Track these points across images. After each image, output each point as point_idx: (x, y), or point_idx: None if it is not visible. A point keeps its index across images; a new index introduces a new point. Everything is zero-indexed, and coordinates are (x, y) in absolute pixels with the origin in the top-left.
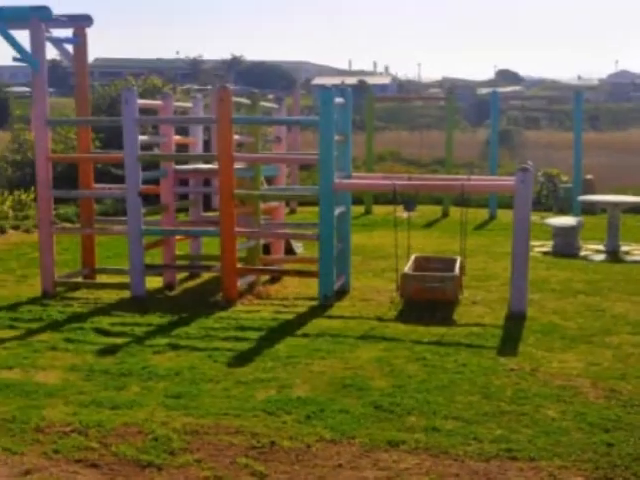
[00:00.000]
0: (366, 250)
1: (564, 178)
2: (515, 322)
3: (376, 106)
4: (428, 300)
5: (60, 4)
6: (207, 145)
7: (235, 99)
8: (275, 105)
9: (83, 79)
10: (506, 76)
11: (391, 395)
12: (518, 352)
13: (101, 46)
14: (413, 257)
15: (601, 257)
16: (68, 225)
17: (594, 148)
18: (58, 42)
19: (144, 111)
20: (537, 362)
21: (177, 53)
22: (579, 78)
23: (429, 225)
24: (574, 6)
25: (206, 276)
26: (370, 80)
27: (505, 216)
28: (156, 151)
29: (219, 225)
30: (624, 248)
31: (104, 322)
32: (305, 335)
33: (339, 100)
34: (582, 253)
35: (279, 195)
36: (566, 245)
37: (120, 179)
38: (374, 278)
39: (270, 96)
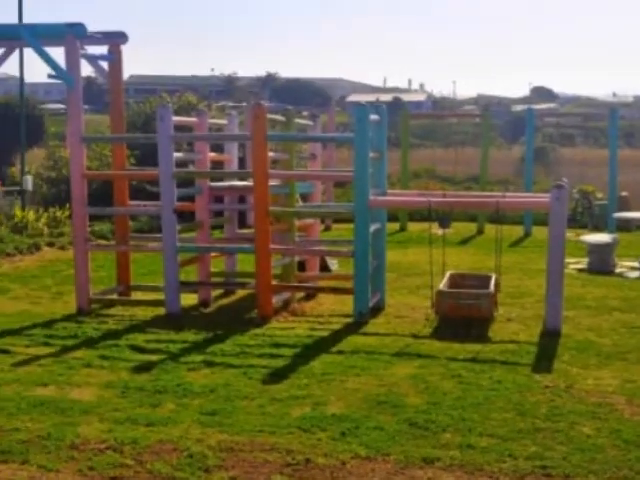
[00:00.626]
0: (401, 267)
1: (599, 195)
2: (550, 339)
3: (411, 123)
4: (463, 317)
5: (95, 21)
6: (242, 162)
7: (270, 116)
8: (310, 122)
9: (118, 96)
10: (541, 93)
11: (426, 412)
12: (553, 369)
13: (136, 63)
14: (448, 274)
15: (636, 274)
16: (103, 242)
17: (629, 165)
18: (93, 59)
19: (179, 128)
20: (572, 379)
21: (212, 70)
22: (614, 95)
23: (464, 242)
24: (609, 23)
25: (241, 293)
26: (405, 97)
27: (540, 233)
28: (191, 168)
29: (254, 242)
30: None
31: (139, 339)
32: (340, 352)
33: (374, 117)
34: (617, 270)
35: (314, 212)
36: (601, 262)
37: (155, 196)
38: (409, 295)
39: (305, 113)
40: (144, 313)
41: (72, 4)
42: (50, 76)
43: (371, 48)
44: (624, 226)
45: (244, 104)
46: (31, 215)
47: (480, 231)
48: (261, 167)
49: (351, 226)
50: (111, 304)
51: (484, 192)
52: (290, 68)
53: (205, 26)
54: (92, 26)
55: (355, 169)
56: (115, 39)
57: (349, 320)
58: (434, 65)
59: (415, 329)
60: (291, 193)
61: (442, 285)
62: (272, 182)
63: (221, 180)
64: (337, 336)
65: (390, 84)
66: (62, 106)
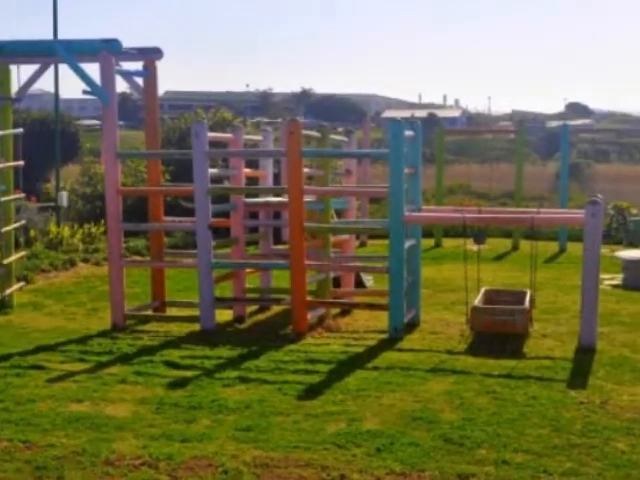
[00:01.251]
0: (436, 283)
1: (634, 211)
2: (585, 355)
3: (446, 139)
4: (498, 333)
5: (130, 37)
6: (277, 178)
7: (305, 132)
8: (345, 138)
9: (153, 112)
10: (576, 109)
11: (461, 428)
12: (588, 385)
13: (171, 79)
14: (483, 290)
15: None
16: (138, 258)
17: None
18: (128, 75)
19: (214, 144)
20: (607, 395)
21: (247, 86)
22: None
23: (499, 258)
24: None
25: (276, 309)
26: (440, 113)
27: (575, 249)
28: (226, 184)
29: (289, 258)
30: None
31: (174, 355)
32: (375, 368)
33: (409, 133)
34: None
35: (349, 228)
36: (636, 278)
37: (190, 212)
38: (444, 311)
39: (340, 129)
40: (179, 329)
41: (107, 20)
42: (85, 92)
43: (406, 64)
44: None
45: (279, 120)
46: (66, 231)
47: (515, 247)
48: (296, 183)
49: (386, 242)
50: (146, 320)
51: (519, 208)
52: (325, 84)
53: (240, 42)
54: (127, 42)
55: (390, 185)
56: (150, 55)
57: (384, 336)
58: (469, 81)
59: (450, 345)
60: (326, 209)
61: (477, 301)
62: (307, 198)
63: (256, 196)
64: (372, 352)
65: (425, 100)
66: (97, 122)
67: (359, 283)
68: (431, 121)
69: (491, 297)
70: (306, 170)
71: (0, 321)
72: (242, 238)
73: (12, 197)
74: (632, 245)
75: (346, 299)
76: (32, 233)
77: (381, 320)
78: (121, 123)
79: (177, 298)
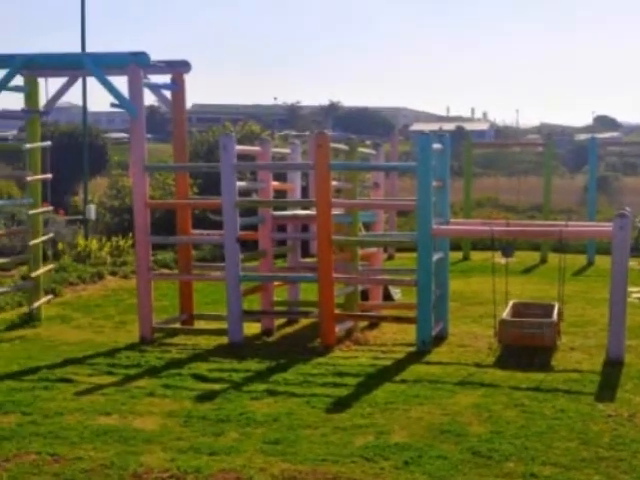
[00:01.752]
0: (464, 296)
1: None
2: (613, 368)
3: (474, 152)
4: (526, 346)
5: (158, 50)
6: (305, 191)
7: (333, 145)
8: (373, 151)
9: (181, 125)
10: (604, 122)
11: (489, 441)
12: (616, 398)
13: (199, 92)
14: (511, 303)
15: None
16: (166, 271)
17: None
18: (156, 88)
19: (242, 157)
20: (635, 408)
21: (275, 99)
22: None
23: (527, 271)
24: None
25: (304, 322)
26: (468, 126)
27: (603, 262)
28: (254, 197)
29: (317, 271)
30: None
31: (202, 368)
32: (403, 381)
33: (437, 146)
34: None
35: (377, 241)
36: None
37: (218, 225)
38: (472, 324)
39: (368, 142)
40: (207, 342)
41: (135, 33)
42: (113, 105)
43: (434, 77)
44: None
45: (307, 133)
46: (94, 244)
47: (543, 260)
48: (324, 196)
49: (414, 255)
50: (174, 333)
51: (547, 221)
52: (353, 97)
53: (269, 55)
54: (155, 55)
55: (418, 198)
56: (178, 68)
57: (412, 349)
58: (497, 94)
59: (478, 358)
60: (354, 222)
61: (505, 314)
62: (335, 211)
63: (284, 209)
64: (400, 365)
65: (453, 113)
66: (125, 135)
67: (387, 296)
68: (459, 134)
69: (519, 310)
70: (334, 183)
71: (28, 334)
72: (270, 251)
73: (40, 210)
74: None
75: (374, 312)
76: (60, 246)
77: (409, 333)
78: (149, 136)
79: (205, 311)
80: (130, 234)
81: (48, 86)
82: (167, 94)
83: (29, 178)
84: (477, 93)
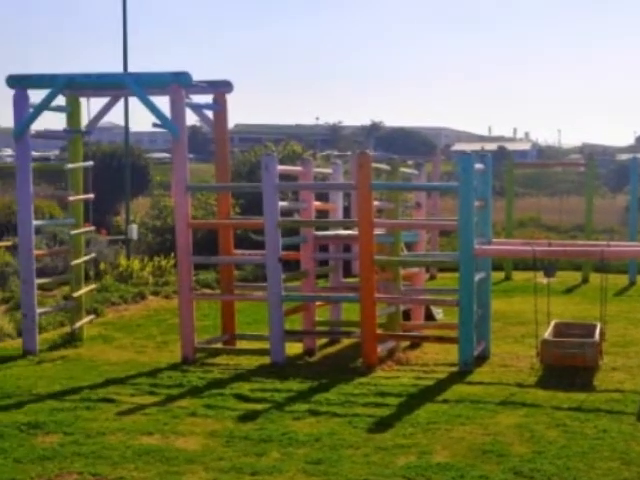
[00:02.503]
0: (506, 316)
1: None
2: None
3: (516, 172)
4: (568, 366)
5: (200, 70)
6: (347, 211)
7: (375, 165)
8: (415, 171)
9: (223, 145)
10: None
11: (531, 461)
12: None
13: (241, 112)
14: (553, 323)
15: None
16: (208, 291)
17: None
18: (198, 108)
19: (284, 177)
20: None
21: (317, 119)
22: None
23: (569, 291)
24: None
25: (346, 342)
26: (510, 146)
27: None
28: (296, 217)
29: (359, 291)
30: None
31: (244, 388)
32: (445, 401)
33: (479, 166)
34: None
35: (419, 261)
36: None
37: (260, 245)
38: (514, 344)
39: (410, 162)
40: (249, 362)
41: (177, 53)
42: (155, 125)
43: (476, 97)
44: None
45: (349, 153)
46: (136, 264)
47: (585, 280)
48: (366, 216)
49: (456, 275)
50: (216, 353)
51: (589, 241)
52: (395, 117)
53: (310, 75)
54: (197, 75)
55: (460, 218)
56: (220, 88)
57: (454, 369)
58: (539, 114)
59: (520, 378)
60: (396, 242)
61: (547, 334)
62: (377, 231)
63: (326, 229)
64: (442, 385)
65: (495, 133)
66: (167, 155)
67: (429, 316)
68: (501, 154)
69: (561, 330)
70: (376, 203)
71: (70, 354)
72: (312, 271)
73: (82, 230)
74: None
75: (416, 332)
76: (102, 266)
77: (451, 353)
78: (191, 156)
79: (247, 331)
80: (172, 254)
81: (90, 106)
82: (209, 114)
83: (71, 198)
84: (519, 113)
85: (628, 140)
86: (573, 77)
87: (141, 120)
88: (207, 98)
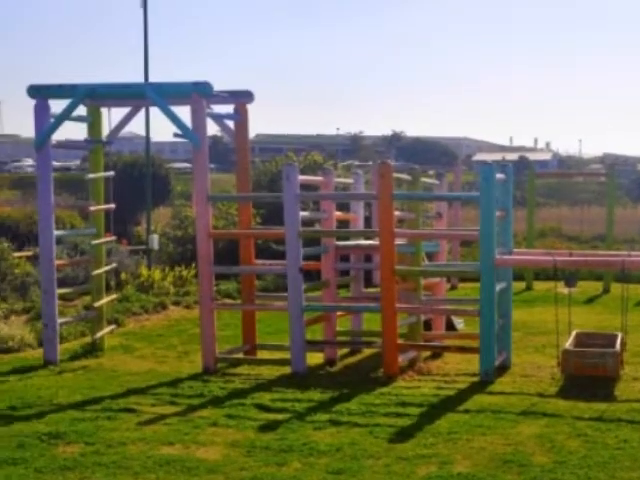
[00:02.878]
0: (527, 326)
1: None
2: None
3: (537, 182)
4: (589, 376)
5: (221, 79)
6: (368, 221)
7: (396, 175)
8: (436, 181)
9: (244, 155)
10: None
11: (552, 471)
12: None
13: (262, 122)
14: (574, 333)
15: None
16: (229, 301)
17: None
18: (219, 118)
19: (305, 187)
20: None
21: (338, 129)
22: None
23: (590, 301)
24: None
25: (367, 352)
26: (531, 156)
27: None
28: (317, 227)
29: (380, 301)
30: None
31: (265, 398)
32: (466, 411)
33: (500, 176)
34: None
35: (440, 271)
36: None
37: (281, 255)
38: (535, 354)
39: (431, 172)
40: (270, 372)
41: (198, 63)
42: (176, 135)
43: (497, 107)
44: None
45: (370, 163)
46: (157, 274)
47: (606, 290)
48: (387, 226)
49: (477, 285)
50: (237, 363)
51: (610, 251)
52: (416, 127)
53: (331, 85)
54: (218, 85)
55: (481, 228)
56: (241, 98)
57: (475, 379)
58: (560, 124)
59: (541, 388)
60: (417, 252)
61: (568, 344)
62: (398, 241)
63: (347, 239)
64: (463, 395)
65: (516, 143)
66: (188, 165)
67: (450, 326)
68: (522, 164)
69: (582, 340)
70: (397, 213)
71: (91, 364)
72: (333, 281)
73: (103, 240)
74: None
75: (437, 342)
76: (123, 276)
77: (472, 363)
78: (212, 166)
79: (268, 341)
80: (193, 264)
81: (111, 116)
82: (230, 124)
83: (92, 208)
84: (540, 123)
85: None
86: (594, 87)
87: (162, 130)
88: (228, 108)
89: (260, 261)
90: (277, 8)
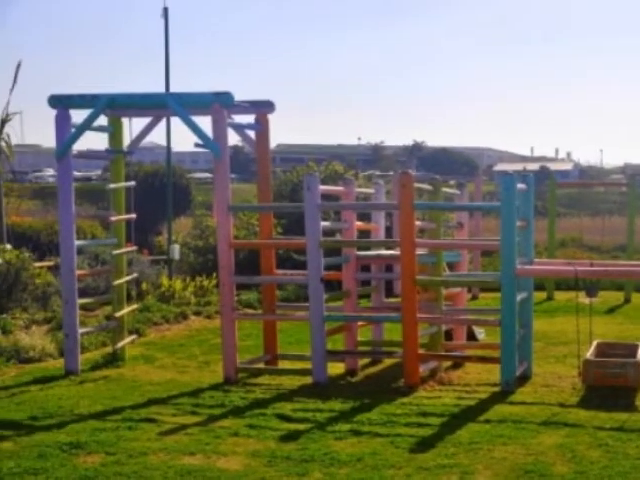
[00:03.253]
0: (548, 336)
1: None
2: None
3: (558, 192)
4: (610, 386)
5: (242, 90)
6: (389, 231)
7: (417, 185)
8: (457, 191)
9: (265, 165)
10: None
11: None
12: None
13: (283, 132)
14: (595, 343)
15: None
16: (250, 311)
17: None
18: (240, 128)
19: (326, 197)
20: None
21: (359, 139)
22: None
23: (611, 311)
24: None
25: (388, 362)
26: (552, 166)
27: None
28: (338, 237)
29: (401, 311)
30: None
31: (286, 408)
32: (487, 421)
33: (521, 186)
34: None
35: (461, 281)
36: None
37: (302, 265)
38: (556, 364)
39: (452, 182)
40: (291, 382)
41: (219, 72)
42: (197, 145)
43: (518, 117)
44: None
45: (391, 173)
46: (178, 284)
47: (627, 300)
48: (408, 236)
49: (498, 295)
50: (258, 373)
51: (631, 261)
52: (437, 137)
53: (352, 95)
54: (239, 95)
55: (502, 238)
56: (262, 108)
57: (496, 389)
58: (581, 134)
59: (562, 398)
60: (438, 262)
61: (589, 354)
62: (419, 251)
63: (368, 249)
64: (484, 405)
65: (537, 153)
66: (209, 175)
67: (471, 336)
68: (543, 174)
69: (603, 350)
70: (418, 223)
71: (112, 374)
72: (354, 291)
73: (124, 250)
74: None
75: (458, 352)
76: (144, 286)
77: (493, 373)
78: (233, 176)
79: (289, 351)
80: (214, 274)
81: (132, 126)
82: (251, 134)
83: (113, 218)
84: (561, 133)
85: None
86: (615, 97)
87: (183, 140)
88: (249, 118)
89: (281, 271)
90: (300, 17)
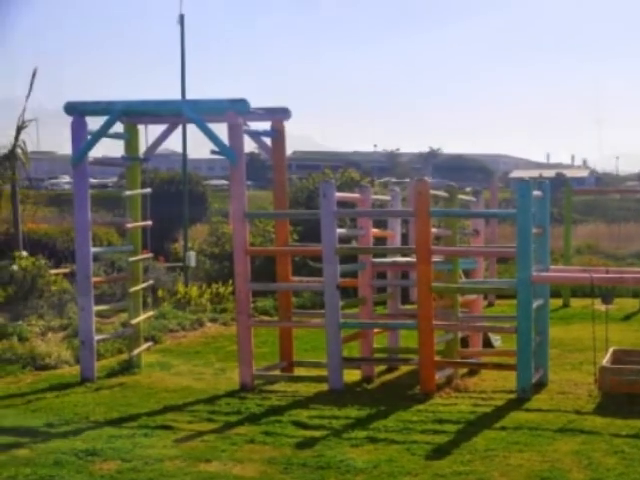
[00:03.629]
0: (564, 343)
1: None
2: None
3: (574, 199)
4: (626, 393)
5: (258, 97)
6: (405, 238)
7: (432, 192)
8: (473, 198)
9: (281, 172)
10: None
11: None
12: None
13: (299, 139)
14: (611, 350)
15: None
16: (266, 318)
17: None
18: (256, 135)
19: (342, 204)
20: None
21: (375, 146)
22: None
23: (627, 318)
24: None
25: (404, 369)
26: (568, 173)
27: None
28: (354, 244)
29: (417, 318)
30: None
31: (302, 415)
32: (503, 428)
33: (537, 193)
34: None
35: (477, 288)
36: None
37: (318, 272)
38: (572, 371)
39: (468, 189)
40: (307, 389)
41: (235, 79)
42: (213, 152)
43: (534, 124)
44: None
45: (407, 180)
46: (194, 291)
47: None
48: (424, 243)
49: (514, 302)
50: (274, 380)
51: None
52: (452, 144)
53: (368, 103)
54: (255, 102)
55: (518, 245)
56: (278, 115)
57: (512, 396)
58: (597, 141)
59: (578, 405)
60: (454, 269)
61: (605, 361)
62: (435, 258)
63: (384, 256)
64: (500, 412)
65: (553, 160)
66: (225, 182)
67: (487, 343)
68: (559, 181)
69: (619, 357)
70: (434, 230)
71: (128, 381)
72: (370, 298)
73: (140, 257)
74: None
75: (474, 359)
76: (160, 293)
77: (509, 380)
78: (249, 183)
79: (305, 358)
80: (230, 281)
81: (148, 133)
82: (267, 141)
83: (129, 225)
84: (577, 140)
85: None
86: (630, 104)
87: (199, 147)
88: (265, 125)
89: (297, 278)
90: (315, 26)
